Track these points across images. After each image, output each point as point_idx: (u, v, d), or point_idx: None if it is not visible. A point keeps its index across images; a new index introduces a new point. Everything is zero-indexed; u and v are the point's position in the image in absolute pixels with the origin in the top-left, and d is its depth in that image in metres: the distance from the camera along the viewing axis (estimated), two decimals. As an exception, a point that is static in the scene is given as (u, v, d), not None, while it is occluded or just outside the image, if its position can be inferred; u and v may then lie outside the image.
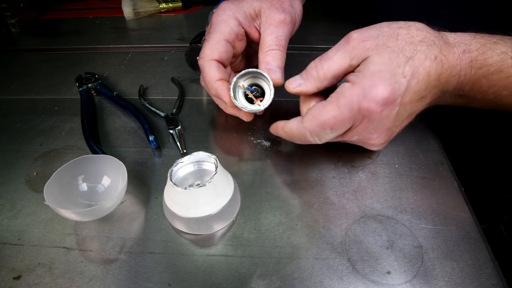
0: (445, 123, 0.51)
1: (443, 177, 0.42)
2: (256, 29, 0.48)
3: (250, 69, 0.44)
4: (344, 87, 0.36)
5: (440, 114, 0.51)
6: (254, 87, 0.45)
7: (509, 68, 0.36)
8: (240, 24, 0.46)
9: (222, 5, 0.47)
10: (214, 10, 0.60)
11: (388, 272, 0.33)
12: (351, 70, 0.37)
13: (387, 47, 0.35)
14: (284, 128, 0.41)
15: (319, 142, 0.40)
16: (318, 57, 0.39)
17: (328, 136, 0.38)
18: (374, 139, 0.39)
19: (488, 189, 0.51)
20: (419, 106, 0.38)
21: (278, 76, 0.44)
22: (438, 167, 0.43)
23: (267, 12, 0.46)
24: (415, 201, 0.39)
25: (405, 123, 0.39)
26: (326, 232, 0.37)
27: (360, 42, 0.36)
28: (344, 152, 0.45)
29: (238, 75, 0.44)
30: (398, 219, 0.38)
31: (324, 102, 0.37)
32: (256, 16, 0.47)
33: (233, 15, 0.46)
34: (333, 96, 0.37)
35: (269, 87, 0.44)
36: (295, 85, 0.40)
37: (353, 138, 0.39)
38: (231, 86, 0.44)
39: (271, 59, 0.44)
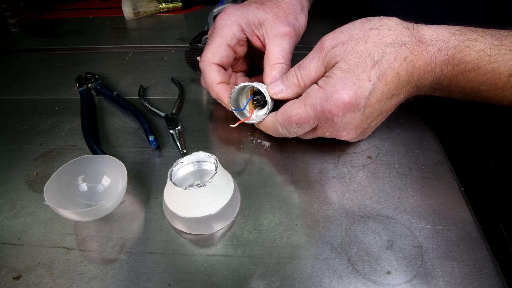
0: (445, 123, 0.51)
1: (443, 177, 0.42)
2: (258, 37, 0.48)
3: (258, 85, 0.44)
4: (312, 89, 0.39)
5: (440, 114, 0.51)
6: (258, 96, 0.46)
7: (486, 65, 0.36)
8: (242, 30, 0.47)
9: (227, 9, 0.48)
10: (214, 10, 0.61)
11: (388, 272, 0.33)
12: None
13: (354, 52, 0.37)
14: (263, 123, 0.45)
15: (288, 135, 0.43)
16: (297, 64, 0.42)
17: (295, 130, 0.41)
18: (345, 136, 0.41)
19: (488, 189, 0.51)
20: (392, 102, 0.40)
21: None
22: (438, 167, 0.43)
23: (272, 24, 0.47)
24: (415, 201, 0.39)
25: (381, 117, 0.42)
26: (326, 232, 0.37)
27: (330, 49, 0.39)
28: (344, 152, 0.45)
29: (240, 86, 0.45)
30: (398, 219, 0.38)
31: (295, 100, 0.41)
32: (259, 26, 0.48)
33: (236, 21, 0.47)
34: (303, 95, 0.40)
35: (267, 106, 0.44)
36: (277, 90, 0.43)
37: (325, 134, 0.42)
38: (232, 94, 0.45)
39: (277, 73, 0.45)
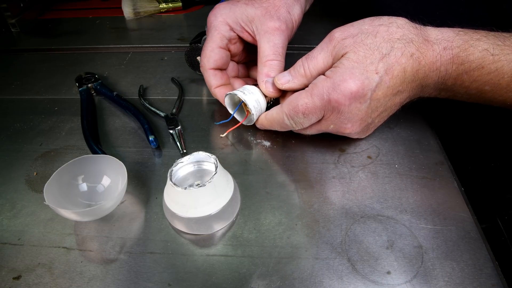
0: (445, 123, 0.51)
1: (443, 177, 0.42)
2: (249, 33, 0.48)
3: (237, 93, 0.45)
4: (319, 79, 0.39)
5: (440, 114, 0.51)
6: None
7: (490, 64, 0.37)
8: (231, 29, 0.48)
9: (215, 9, 0.48)
10: (214, 10, 0.61)
11: (388, 272, 0.33)
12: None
13: (364, 44, 0.38)
14: (266, 115, 0.45)
15: (295, 127, 0.43)
16: (305, 55, 0.42)
17: (301, 121, 0.41)
18: (349, 128, 0.41)
19: (488, 189, 0.51)
20: (397, 100, 0.40)
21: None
22: (438, 167, 0.43)
23: (261, 19, 0.46)
24: (415, 201, 0.39)
25: (385, 115, 0.42)
26: (326, 232, 0.37)
27: (340, 40, 0.39)
28: (344, 152, 0.45)
29: (227, 95, 0.47)
30: (398, 219, 0.38)
31: (302, 90, 0.41)
32: (249, 22, 0.47)
33: (224, 21, 0.47)
34: (310, 86, 0.40)
35: (252, 110, 0.45)
36: (284, 81, 0.43)
37: (329, 127, 0.42)
38: (225, 101, 0.47)
39: (268, 71, 0.45)
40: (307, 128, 0.43)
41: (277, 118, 0.43)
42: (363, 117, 0.40)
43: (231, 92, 0.46)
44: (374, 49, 0.38)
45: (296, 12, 0.49)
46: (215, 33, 0.47)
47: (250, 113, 0.45)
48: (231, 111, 0.48)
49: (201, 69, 0.49)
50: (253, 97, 0.45)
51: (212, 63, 0.48)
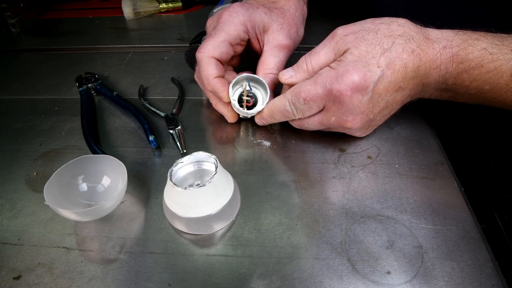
0: (445, 123, 0.51)
1: (443, 177, 0.42)
2: (259, 41, 0.50)
3: (256, 76, 0.47)
4: (324, 70, 0.41)
5: (440, 114, 0.51)
6: (251, 94, 0.48)
7: (489, 63, 0.37)
8: (247, 31, 0.48)
9: (236, 7, 0.48)
10: (214, 10, 0.61)
11: (388, 272, 0.33)
12: None
13: (365, 40, 0.39)
14: (268, 104, 0.46)
15: (296, 114, 0.43)
16: (308, 52, 0.43)
17: (302, 108, 0.42)
18: (350, 122, 0.41)
19: (488, 189, 0.51)
20: (398, 97, 0.41)
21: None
22: (438, 167, 0.43)
23: (275, 33, 0.48)
24: (415, 201, 0.39)
25: (386, 112, 0.43)
26: (326, 232, 0.37)
27: (342, 37, 0.41)
28: (344, 152, 0.45)
29: (241, 75, 0.46)
30: (398, 219, 0.38)
31: (307, 80, 0.42)
32: (263, 31, 0.49)
33: (244, 22, 0.47)
34: (315, 75, 0.41)
35: (262, 102, 0.47)
36: (287, 76, 0.44)
37: (331, 119, 0.42)
38: (231, 85, 0.46)
39: (268, 81, 0.47)
40: (309, 120, 0.43)
41: (279, 105, 0.44)
42: (364, 111, 0.40)
43: (255, 76, 0.46)
44: (375, 44, 0.39)
45: (301, 33, 0.53)
46: (232, 28, 0.46)
47: (252, 108, 0.47)
48: (232, 100, 0.46)
49: (199, 54, 0.46)
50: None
51: (218, 53, 0.45)
